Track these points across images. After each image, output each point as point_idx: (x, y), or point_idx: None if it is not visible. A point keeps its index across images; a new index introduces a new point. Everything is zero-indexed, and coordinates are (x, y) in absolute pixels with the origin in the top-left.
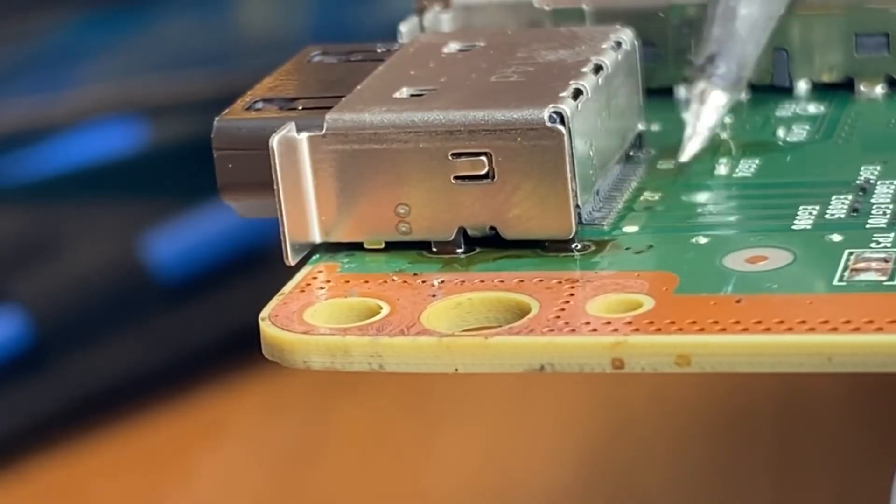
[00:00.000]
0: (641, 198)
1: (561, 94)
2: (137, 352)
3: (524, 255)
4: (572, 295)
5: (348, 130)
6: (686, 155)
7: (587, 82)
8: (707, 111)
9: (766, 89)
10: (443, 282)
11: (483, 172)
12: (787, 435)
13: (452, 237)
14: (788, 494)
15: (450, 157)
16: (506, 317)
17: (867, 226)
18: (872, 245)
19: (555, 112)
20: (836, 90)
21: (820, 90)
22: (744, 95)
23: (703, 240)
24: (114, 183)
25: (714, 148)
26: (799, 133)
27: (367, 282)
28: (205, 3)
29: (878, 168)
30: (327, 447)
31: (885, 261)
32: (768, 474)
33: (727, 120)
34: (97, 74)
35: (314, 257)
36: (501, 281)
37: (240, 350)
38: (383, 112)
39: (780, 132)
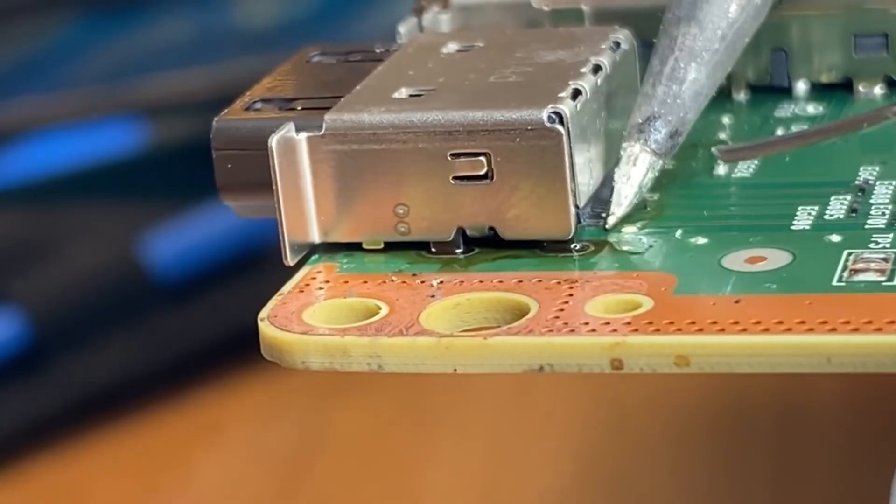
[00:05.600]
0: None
1: (560, 95)
2: (137, 352)
3: (523, 255)
4: (571, 295)
5: (347, 131)
6: (612, 221)
7: (586, 83)
8: (636, 175)
9: (765, 90)
10: (442, 282)
11: (482, 173)
12: (787, 435)
13: (451, 237)
14: (788, 494)
15: (448, 158)
16: (505, 317)
17: (866, 226)
18: (871, 245)
19: (554, 112)
20: (835, 90)
21: (819, 90)
22: (743, 96)
23: (702, 240)
24: (114, 183)
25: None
26: None
27: (365, 282)
28: (204, 4)
29: (877, 168)
30: (326, 447)
31: (885, 261)
32: (767, 474)
33: (726, 121)
34: (97, 74)
35: (313, 257)
36: (500, 281)
37: (239, 350)
38: (382, 112)
39: (779, 132)
